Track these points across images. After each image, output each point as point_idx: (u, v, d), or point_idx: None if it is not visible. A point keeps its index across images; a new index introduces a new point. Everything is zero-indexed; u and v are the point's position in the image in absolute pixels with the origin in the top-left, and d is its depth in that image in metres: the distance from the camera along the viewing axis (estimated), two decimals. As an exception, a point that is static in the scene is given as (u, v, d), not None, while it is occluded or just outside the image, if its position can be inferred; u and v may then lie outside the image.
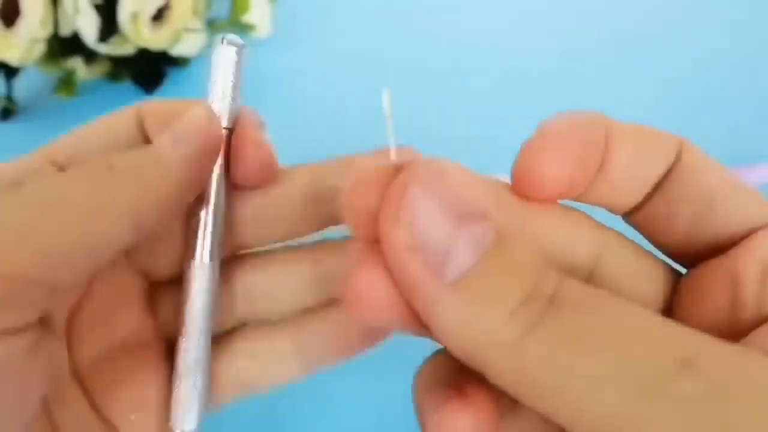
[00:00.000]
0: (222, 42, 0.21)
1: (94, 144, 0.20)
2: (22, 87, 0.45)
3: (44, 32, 0.40)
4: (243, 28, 0.48)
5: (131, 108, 0.21)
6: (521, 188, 0.17)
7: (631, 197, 0.18)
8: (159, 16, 0.43)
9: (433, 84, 0.48)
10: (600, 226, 0.18)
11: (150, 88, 0.46)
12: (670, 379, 0.12)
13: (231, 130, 0.21)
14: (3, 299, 0.16)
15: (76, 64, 0.44)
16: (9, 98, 0.45)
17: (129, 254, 0.21)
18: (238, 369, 0.22)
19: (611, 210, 0.18)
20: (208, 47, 0.47)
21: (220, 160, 0.20)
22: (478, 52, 0.50)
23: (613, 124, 0.17)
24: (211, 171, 0.20)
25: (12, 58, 0.40)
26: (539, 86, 0.48)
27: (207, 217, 0.20)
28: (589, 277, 0.18)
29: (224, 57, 0.21)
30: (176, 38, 0.44)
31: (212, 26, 0.48)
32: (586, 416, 0.13)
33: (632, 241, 0.19)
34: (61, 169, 0.20)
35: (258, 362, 0.22)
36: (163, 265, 0.21)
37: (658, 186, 0.18)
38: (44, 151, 0.20)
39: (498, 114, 0.45)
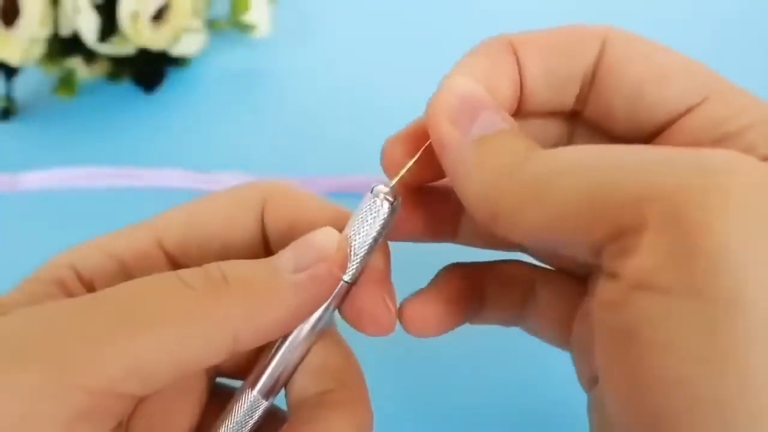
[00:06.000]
0: (372, 193, 0.19)
1: (209, 230, 0.20)
2: (21, 87, 0.45)
3: (44, 32, 0.40)
4: (242, 28, 0.48)
5: (253, 189, 0.20)
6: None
7: (561, 100, 0.20)
8: (159, 15, 0.43)
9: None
10: None
11: (150, 88, 0.46)
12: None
13: (351, 285, 0.19)
14: (84, 412, 0.15)
15: (76, 64, 0.44)
16: (9, 98, 0.45)
17: None
18: None
19: (558, 113, 0.20)
20: (208, 47, 0.47)
21: (326, 305, 0.19)
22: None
23: (517, 39, 0.20)
24: (316, 310, 0.19)
25: (12, 57, 0.40)
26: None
27: (282, 352, 0.19)
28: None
29: (373, 208, 0.19)
30: (176, 38, 0.44)
31: (212, 26, 0.48)
32: (515, 232, 0.17)
33: None
34: (171, 258, 0.20)
35: None
36: (228, 365, 0.21)
37: (591, 84, 0.19)
38: (152, 227, 0.19)
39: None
